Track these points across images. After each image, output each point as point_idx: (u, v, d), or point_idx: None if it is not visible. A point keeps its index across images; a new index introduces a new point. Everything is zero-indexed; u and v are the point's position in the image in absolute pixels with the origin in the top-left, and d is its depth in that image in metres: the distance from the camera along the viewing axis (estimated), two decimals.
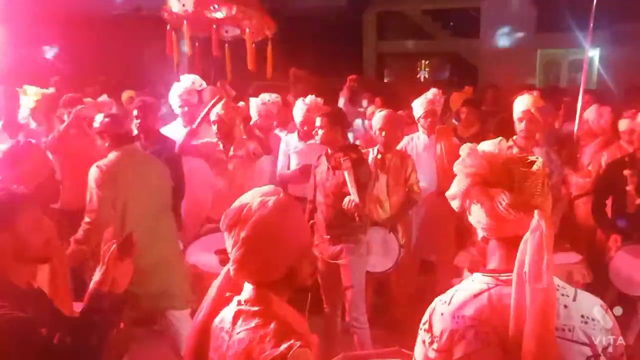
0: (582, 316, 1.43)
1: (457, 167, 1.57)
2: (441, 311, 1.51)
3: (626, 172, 3.97)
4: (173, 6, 6.37)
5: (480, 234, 1.56)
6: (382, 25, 16.54)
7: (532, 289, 1.36)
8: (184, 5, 6.28)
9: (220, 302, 1.67)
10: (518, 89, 5.82)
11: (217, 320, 1.64)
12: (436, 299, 1.57)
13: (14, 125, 4.79)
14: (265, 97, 5.33)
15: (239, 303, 1.59)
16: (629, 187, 3.97)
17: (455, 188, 1.56)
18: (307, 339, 1.50)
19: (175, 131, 5.01)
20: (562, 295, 1.47)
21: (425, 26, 16.10)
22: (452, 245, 4.58)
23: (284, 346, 1.44)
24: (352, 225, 3.76)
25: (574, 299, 1.46)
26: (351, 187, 3.60)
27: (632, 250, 3.85)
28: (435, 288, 4.25)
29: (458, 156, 1.58)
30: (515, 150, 4.05)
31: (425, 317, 1.55)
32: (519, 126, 4.02)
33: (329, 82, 6.78)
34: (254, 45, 6.85)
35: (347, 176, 3.62)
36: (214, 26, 6.53)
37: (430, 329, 1.51)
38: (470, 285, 1.53)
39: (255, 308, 1.54)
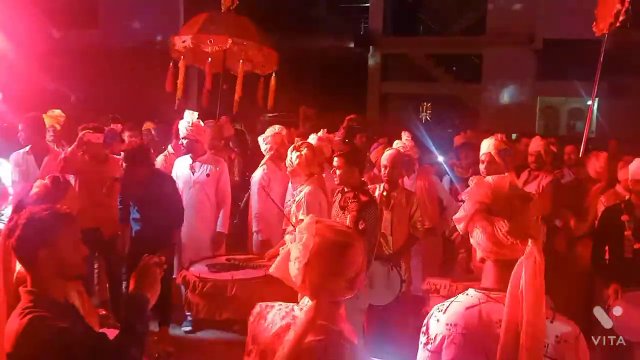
0: (557, 336, 1.63)
1: (465, 195, 1.79)
2: (437, 318, 1.76)
3: (624, 217, 4.06)
4: (176, 43, 6.63)
5: (479, 254, 1.77)
6: (387, 67, 16.96)
7: (527, 307, 1.57)
8: (184, 41, 6.55)
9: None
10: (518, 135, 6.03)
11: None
12: (434, 307, 1.81)
13: (42, 148, 5.02)
14: (269, 130, 5.49)
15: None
16: (627, 232, 4.03)
17: (462, 213, 1.77)
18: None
19: (183, 162, 5.30)
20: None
21: (429, 69, 16.50)
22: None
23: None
24: None
25: (552, 321, 1.66)
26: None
27: (633, 297, 3.81)
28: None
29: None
30: None
31: (425, 321, 1.80)
32: (481, 167, 4.25)
33: (338, 120, 6.98)
34: (262, 79, 7.08)
35: (349, 220, 3.79)
36: (209, 59, 6.68)
37: (427, 332, 1.77)
38: (465, 299, 1.75)
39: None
